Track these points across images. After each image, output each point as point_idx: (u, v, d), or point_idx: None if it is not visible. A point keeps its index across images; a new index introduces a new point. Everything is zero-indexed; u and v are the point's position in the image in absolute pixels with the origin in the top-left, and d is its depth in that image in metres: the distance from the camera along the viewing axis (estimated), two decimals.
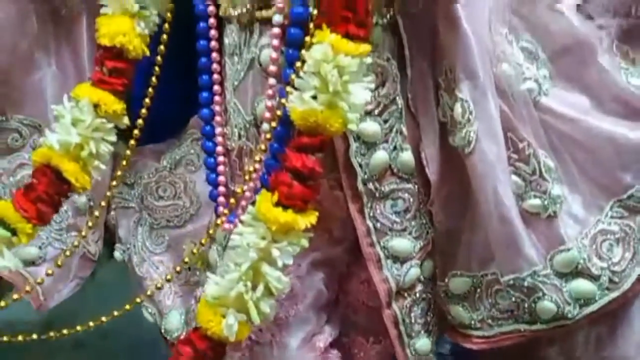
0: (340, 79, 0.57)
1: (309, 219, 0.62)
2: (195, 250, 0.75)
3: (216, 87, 0.74)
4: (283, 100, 0.62)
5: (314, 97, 0.59)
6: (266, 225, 0.60)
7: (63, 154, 0.67)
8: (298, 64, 0.61)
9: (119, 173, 0.77)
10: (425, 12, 0.68)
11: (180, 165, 0.88)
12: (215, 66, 0.74)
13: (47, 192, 0.67)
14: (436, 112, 0.71)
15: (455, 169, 0.71)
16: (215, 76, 0.74)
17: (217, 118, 0.76)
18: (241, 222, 0.64)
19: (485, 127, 0.66)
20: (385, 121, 0.70)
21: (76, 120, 0.68)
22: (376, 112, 0.69)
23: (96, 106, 0.68)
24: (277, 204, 0.60)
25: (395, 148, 0.71)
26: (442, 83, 0.69)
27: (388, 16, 0.67)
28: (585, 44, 0.70)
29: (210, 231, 0.74)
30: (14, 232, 0.67)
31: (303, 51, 0.60)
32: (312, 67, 0.58)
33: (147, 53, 0.71)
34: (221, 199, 0.76)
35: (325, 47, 0.57)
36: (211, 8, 0.71)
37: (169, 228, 0.88)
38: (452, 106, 0.68)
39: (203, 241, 0.74)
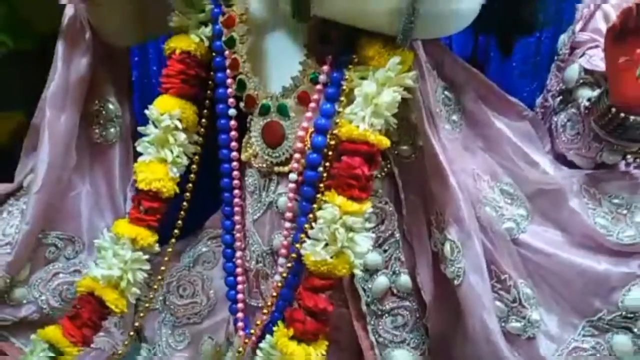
0: (347, 234, 0.68)
1: (321, 348, 0.71)
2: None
3: (237, 218, 0.86)
4: (298, 245, 0.73)
5: (325, 244, 0.70)
6: (283, 357, 0.70)
7: (105, 285, 0.78)
8: (310, 215, 0.72)
9: (159, 277, 0.86)
10: (417, 162, 0.79)
11: (198, 263, 0.97)
12: (237, 200, 0.85)
13: (91, 318, 0.77)
14: (429, 243, 0.82)
15: (447, 291, 0.80)
16: (237, 208, 0.85)
17: (237, 243, 0.86)
18: (259, 348, 0.74)
19: (471, 263, 0.76)
20: (385, 251, 0.80)
21: (116, 254, 0.78)
22: (377, 244, 0.79)
23: (133, 240, 0.79)
24: (292, 338, 0.70)
25: (394, 273, 0.81)
26: (433, 221, 0.80)
27: (385, 169, 0.78)
28: (558, 190, 0.80)
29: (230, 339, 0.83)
30: (60, 353, 0.77)
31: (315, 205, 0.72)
32: (323, 224, 0.69)
33: (178, 191, 0.82)
34: (240, 314, 0.87)
35: (334, 209, 0.68)
36: (234, 153, 0.83)
37: (189, 325, 0.97)
38: (443, 243, 0.78)
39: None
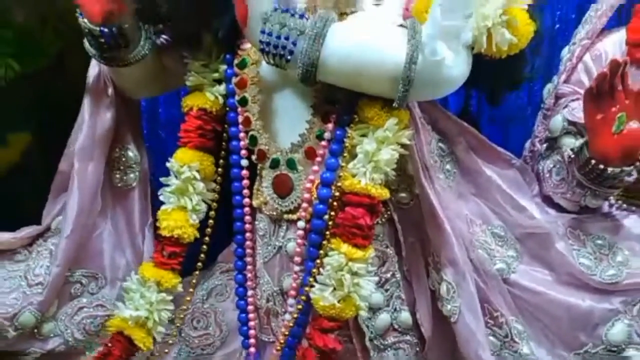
0: (353, 280, 0.75)
1: None
2: None
3: (248, 259, 0.93)
4: (307, 289, 0.80)
5: (333, 289, 0.77)
6: None
7: (134, 325, 0.85)
8: (317, 260, 0.79)
9: (181, 316, 0.93)
10: (415, 208, 0.86)
11: (211, 296, 1.03)
12: (248, 243, 0.92)
13: (121, 356, 0.85)
14: (427, 282, 0.88)
15: (444, 327, 0.87)
16: (248, 250, 0.92)
17: (249, 282, 0.93)
18: None
19: (466, 302, 0.83)
20: (387, 290, 0.87)
21: (143, 296, 0.86)
22: (379, 285, 0.86)
23: (158, 283, 0.87)
24: None
25: (395, 310, 0.88)
26: (430, 262, 0.87)
27: (386, 215, 0.85)
28: (545, 233, 0.87)
29: None
30: None
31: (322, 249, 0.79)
32: (330, 271, 0.76)
33: (198, 236, 0.89)
34: (252, 349, 0.93)
35: (340, 257, 0.75)
36: (246, 200, 0.90)
37: (203, 356, 1.02)
38: (439, 283, 0.85)
39: None
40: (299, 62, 0.72)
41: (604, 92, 0.77)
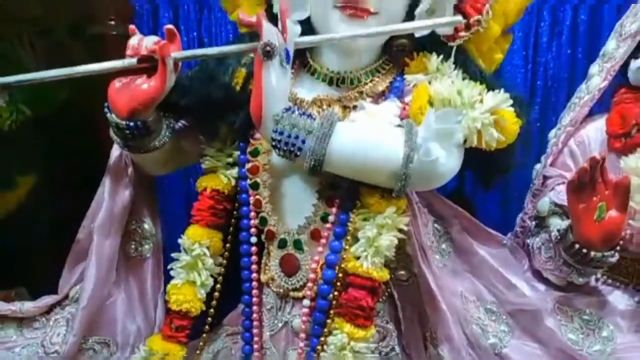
0: (355, 359, 0.81)
1: None
2: None
3: (255, 331, 0.98)
4: None
5: None
6: None
7: None
8: (322, 338, 0.85)
9: None
10: (414, 285, 0.92)
11: (217, 357, 1.07)
12: (255, 316, 0.97)
13: None
14: (425, 354, 0.94)
15: None
16: (255, 323, 0.97)
17: (256, 353, 0.98)
18: None
19: None
20: None
21: None
22: (380, 358, 0.91)
23: (165, 355, 0.92)
24: None
25: None
26: (427, 337, 0.93)
27: (387, 292, 0.91)
28: (535, 309, 0.93)
29: None
30: None
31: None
32: (334, 350, 0.81)
33: (204, 309, 0.95)
34: None
35: (343, 337, 0.81)
36: (254, 275, 0.96)
37: None
38: (437, 357, 0.90)
39: None
40: (307, 157, 0.80)
41: (585, 183, 0.85)
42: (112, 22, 1.24)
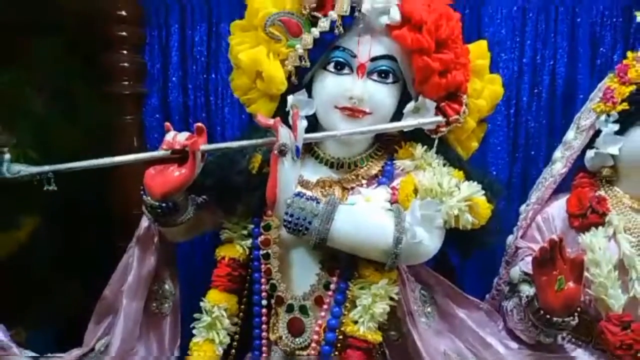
0: None
1: None
2: None
3: None
4: None
5: None
6: None
7: None
8: None
9: None
10: (403, 343, 1.06)
11: None
12: None
13: None
14: None
15: None
16: None
17: None
18: None
19: None
20: None
21: None
22: None
23: None
24: None
25: None
26: None
27: (380, 351, 1.05)
28: None
29: None
30: None
31: None
32: None
33: None
34: None
35: None
36: (264, 334, 1.10)
37: None
38: None
39: None
40: (313, 236, 0.95)
41: (547, 259, 1.00)
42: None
